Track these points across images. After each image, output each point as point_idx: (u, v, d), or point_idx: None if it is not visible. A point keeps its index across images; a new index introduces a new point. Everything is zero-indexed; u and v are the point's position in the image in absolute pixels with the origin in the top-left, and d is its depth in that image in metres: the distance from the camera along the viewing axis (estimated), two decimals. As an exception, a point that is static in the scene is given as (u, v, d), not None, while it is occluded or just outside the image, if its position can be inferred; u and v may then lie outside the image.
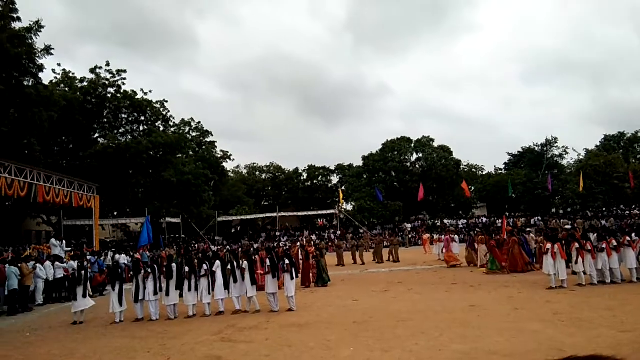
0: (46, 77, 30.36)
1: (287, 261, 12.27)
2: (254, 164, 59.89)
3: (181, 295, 12.18)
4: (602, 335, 7.80)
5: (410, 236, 40.52)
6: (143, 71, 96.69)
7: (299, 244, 22.53)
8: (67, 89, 33.98)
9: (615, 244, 13.39)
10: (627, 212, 39.74)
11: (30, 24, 24.27)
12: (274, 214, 45.65)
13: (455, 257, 21.32)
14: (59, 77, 34.26)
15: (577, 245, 13.33)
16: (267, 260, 12.26)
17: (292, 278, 12.11)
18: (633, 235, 14.00)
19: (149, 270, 12.28)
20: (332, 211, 47.51)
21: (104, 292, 18.03)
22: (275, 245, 25.57)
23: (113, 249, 26.57)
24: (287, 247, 21.05)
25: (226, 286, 12.14)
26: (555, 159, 55.68)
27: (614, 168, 43.69)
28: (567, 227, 20.81)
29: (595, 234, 15.36)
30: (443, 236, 24.52)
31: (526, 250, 18.07)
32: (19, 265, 15.05)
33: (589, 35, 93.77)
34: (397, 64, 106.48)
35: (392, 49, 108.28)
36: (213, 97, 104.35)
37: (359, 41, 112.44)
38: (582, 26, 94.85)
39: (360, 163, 53.49)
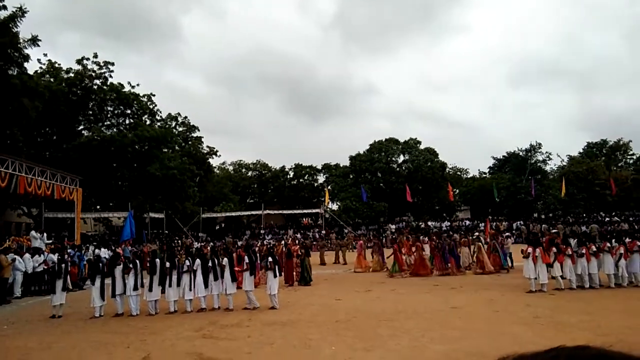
0: (31, 67, 29.91)
1: (270, 259, 12.24)
2: (240, 161, 59.64)
3: (163, 291, 12.09)
4: (579, 338, 7.92)
5: (392, 237, 40.55)
6: (126, 62, 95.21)
7: (283, 242, 22.41)
8: (52, 79, 33.46)
9: (594, 249, 13.62)
10: (607, 218, 40.42)
11: (14, 10, 23.83)
12: (259, 212, 45.44)
13: (364, 264, 21.03)
14: (44, 67, 33.74)
15: (554, 249, 13.55)
16: (245, 258, 12.23)
17: (275, 276, 12.08)
18: (613, 241, 14.23)
19: (131, 266, 12.16)
20: (317, 210, 47.47)
21: (84, 287, 17.81)
22: (256, 242, 25.47)
23: (94, 243, 26.24)
24: (271, 245, 20.98)
25: (206, 284, 12.09)
26: (539, 164, 56.31)
27: (596, 175, 44.41)
28: (554, 231, 21.09)
29: (576, 239, 15.58)
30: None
31: (444, 255, 18.44)
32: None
33: (577, 42, 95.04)
34: (385, 63, 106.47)
35: (380, 48, 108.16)
36: (199, 91, 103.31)
37: (347, 38, 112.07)
38: (571, 32, 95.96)
39: (347, 162, 53.60)
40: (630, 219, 39.28)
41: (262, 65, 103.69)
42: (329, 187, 51.13)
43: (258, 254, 14.93)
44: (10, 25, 23.59)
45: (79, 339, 9.41)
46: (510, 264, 19.21)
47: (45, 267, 16.73)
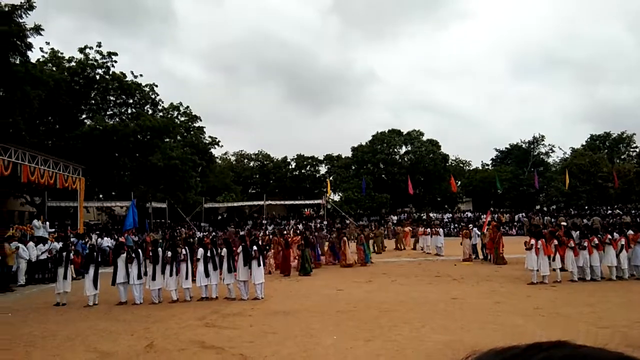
0: (34, 56, 29.81)
1: (254, 248, 12.29)
2: (242, 151, 59.77)
3: (165, 280, 12.19)
4: (580, 330, 7.97)
5: (392, 228, 40.51)
6: (120, 47, 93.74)
7: (285, 232, 22.50)
8: (54, 68, 33.44)
9: (597, 242, 13.63)
10: (609, 211, 40.39)
11: (21, 2, 23.85)
12: (261, 202, 45.53)
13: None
14: (46, 56, 33.68)
15: (555, 242, 13.58)
16: (240, 248, 12.31)
17: (258, 265, 12.13)
18: (615, 233, 14.23)
19: (133, 255, 12.25)
20: (319, 201, 47.54)
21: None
22: (258, 233, 25.51)
23: (97, 232, 26.34)
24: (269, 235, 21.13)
25: (206, 273, 12.19)
26: (542, 156, 56.24)
27: (599, 167, 44.27)
28: (563, 223, 21.12)
29: (578, 232, 15.59)
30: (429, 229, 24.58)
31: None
32: (2, 245, 14.89)
33: (581, 33, 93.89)
34: (387, 50, 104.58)
35: (381, 35, 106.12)
36: (196, 78, 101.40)
37: (347, 25, 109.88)
38: (575, 23, 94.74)
39: (349, 153, 53.63)
40: (633, 211, 39.25)
41: (259, 51, 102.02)
42: (331, 178, 51.20)
43: (260, 245, 14.97)
44: (15, 15, 23.55)
45: (83, 327, 9.50)
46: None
47: (49, 256, 16.86)
